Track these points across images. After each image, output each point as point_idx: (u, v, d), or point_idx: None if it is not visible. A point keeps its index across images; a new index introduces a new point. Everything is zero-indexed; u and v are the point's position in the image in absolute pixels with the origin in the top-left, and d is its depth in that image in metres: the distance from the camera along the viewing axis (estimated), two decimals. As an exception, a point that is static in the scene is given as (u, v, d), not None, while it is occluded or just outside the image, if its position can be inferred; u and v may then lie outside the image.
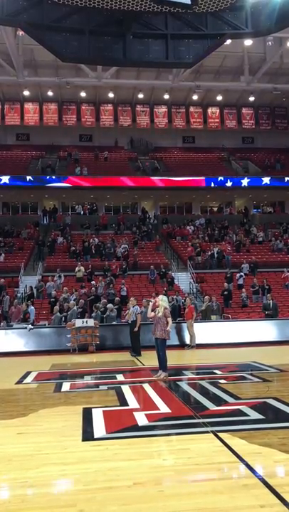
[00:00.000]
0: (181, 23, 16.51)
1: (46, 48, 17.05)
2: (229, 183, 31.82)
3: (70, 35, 16.14)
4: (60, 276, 22.67)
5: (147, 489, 4.11)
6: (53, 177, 30.90)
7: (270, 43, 28.31)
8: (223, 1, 15.76)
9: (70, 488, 4.30)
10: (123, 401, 7.61)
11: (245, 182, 32.07)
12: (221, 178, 31.86)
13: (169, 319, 9.72)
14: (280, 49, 29.16)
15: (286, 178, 32.39)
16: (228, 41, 18.92)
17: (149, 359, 11.70)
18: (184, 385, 9.14)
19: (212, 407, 7.00)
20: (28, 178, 30.20)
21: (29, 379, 10.17)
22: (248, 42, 26.07)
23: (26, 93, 32.93)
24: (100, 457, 4.97)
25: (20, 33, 24.10)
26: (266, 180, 32.07)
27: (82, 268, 23.16)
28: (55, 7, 15.49)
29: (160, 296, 10.43)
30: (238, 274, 23.52)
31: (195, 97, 34.27)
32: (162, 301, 9.92)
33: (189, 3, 15.32)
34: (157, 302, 10.00)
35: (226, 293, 21.33)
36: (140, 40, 16.83)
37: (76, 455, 5.06)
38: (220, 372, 10.21)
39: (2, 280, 21.93)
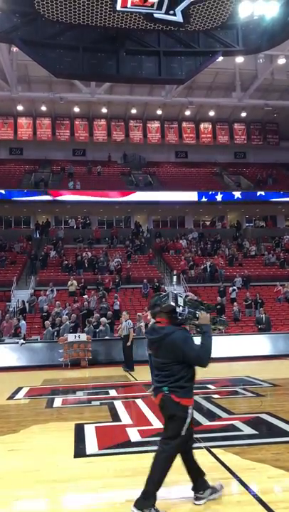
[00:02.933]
0: (174, 41, 16.81)
1: (40, 64, 17.25)
2: (221, 197, 32.02)
3: (63, 52, 16.36)
4: (52, 291, 22.57)
5: (140, 507, 4.06)
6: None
7: (261, 60, 28.82)
8: (214, 19, 16.06)
9: (62, 506, 4.23)
10: (116, 417, 7.55)
11: (237, 196, 32.29)
12: (212, 192, 32.09)
13: None
14: (271, 66, 29.63)
15: (278, 193, 32.70)
16: (220, 58, 19.19)
17: (142, 374, 11.63)
18: (177, 400, 9.07)
19: (205, 422, 6.96)
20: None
21: (21, 394, 10.07)
22: (239, 59, 26.45)
23: (20, 108, 33.13)
24: (92, 474, 4.91)
25: (15, 49, 24.32)
26: (259, 195, 32.34)
27: (74, 282, 23.08)
28: (49, 24, 15.71)
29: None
30: (230, 288, 23.56)
31: (187, 113, 34.65)
32: None
33: (181, 21, 15.63)
34: (148, 316, 9.94)
35: (218, 307, 21.31)
36: (133, 57, 17.10)
37: (68, 472, 5.00)
38: (213, 387, 10.16)
39: (-6, 294, 21.81)
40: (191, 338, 3.93)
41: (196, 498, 4.06)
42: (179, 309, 3.93)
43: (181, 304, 3.97)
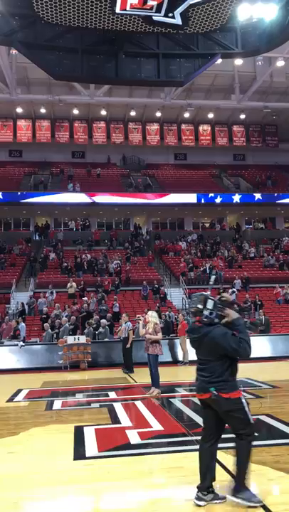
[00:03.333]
0: (173, 43, 16.80)
1: (39, 67, 17.24)
2: (220, 199, 32.08)
3: (63, 54, 16.35)
4: (51, 293, 22.55)
5: (140, 509, 4.06)
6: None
7: (260, 62, 28.89)
8: (213, 21, 16.08)
9: (61, 509, 4.22)
10: (115, 419, 7.54)
11: (236, 198, 32.34)
12: (211, 194, 32.13)
13: (159, 334, 9.67)
14: (269, 68, 29.70)
15: (277, 195, 32.79)
16: (219, 60, 19.21)
17: (142, 376, 11.62)
18: (177, 402, 9.08)
19: (205, 424, 6.93)
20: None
21: (20, 397, 10.05)
22: (238, 61, 26.48)
23: (19, 110, 33.16)
24: (91, 477, 4.90)
25: (14, 51, 24.38)
26: (258, 197, 32.40)
27: (74, 284, 23.06)
28: (49, 27, 15.71)
29: (149, 312, 10.37)
30: (230, 290, 23.54)
31: (187, 115, 34.69)
32: (152, 317, 9.87)
33: (180, 23, 15.62)
34: (147, 318, 9.94)
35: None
36: (132, 59, 17.08)
37: (68, 475, 4.99)
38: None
39: (-7, 296, 21.78)
40: (229, 333, 4.06)
41: (198, 498, 4.07)
42: (206, 312, 4.07)
43: (210, 307, 4.08)
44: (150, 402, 8.90)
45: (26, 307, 21.60)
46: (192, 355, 15.32)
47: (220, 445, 5.71)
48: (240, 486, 4.01)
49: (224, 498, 4.10)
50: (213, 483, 4.14)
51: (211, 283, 4.37)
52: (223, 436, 6.24)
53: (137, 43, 16.64)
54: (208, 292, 4.23)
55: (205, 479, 4.12)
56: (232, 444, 5.77)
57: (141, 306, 22.17)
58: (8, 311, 21.30)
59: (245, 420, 4.02)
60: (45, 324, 17.99)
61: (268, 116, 35.74)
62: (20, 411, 8.80)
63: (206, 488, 4.09)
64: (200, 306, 4.09)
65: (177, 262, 27.49)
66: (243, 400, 4.06)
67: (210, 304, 4.09)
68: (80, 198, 31.01)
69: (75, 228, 32.40)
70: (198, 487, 4.13)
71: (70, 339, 15.31)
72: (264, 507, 3.94)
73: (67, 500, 4.35)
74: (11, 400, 9.72)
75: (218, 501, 4.06)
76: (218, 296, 4.24)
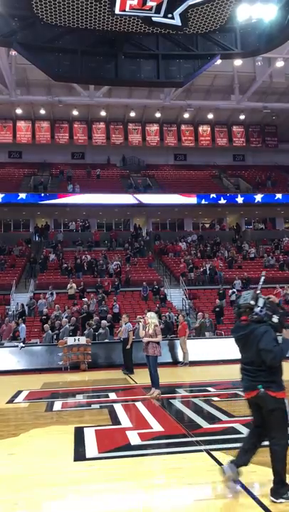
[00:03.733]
0: (172, 44, 16.82)
1: (39, 68, 17.26)
2: (222, 201, 32.15)
3: (62, 55, 16.36)
4: (51, 294, 22.54)
5: (140, 510, 4.05)
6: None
7: (259, 63, 28.90)
8: (212, 22, 16.09)
9: (61, 510, 4.21)
10: (115, 420, 7.53)
11: (239, 199, 32.40)
12: (213, 195, 32.17)
13: (159, 336, 9.65)
14: (269, 69, 29.73)
15: (277, 195, 32.82)
16: (219, 61, 19.22)
17: (142, 377, 11.61)
18: (177, 403, 9.07)
19: (205, 425, 6.94)
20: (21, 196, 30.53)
21: (20, 398, 10.05)
22: (237, 62, 26.49)
23: (19, 111, 33.16)
24: (91, 478, 4.90)
25: (13, 52, 24.37)
26: (258, 197, 32.43)
27: (74, 285, 23.04)
28: (48, 28, 15.73)
29: (148, 314, 10.35)
30: (230, 291, 23.53)
31: (186, 116, 34.71)
32: (151, 318, 9.85)
33: (180, 24, 15.63)
34: (147, 320, 9.92)
35: (217, 309, 21.31)
36: (132, 60, 17.10)
37: (68, 476, 4.99)
38: (213, 390, 10.15)
39: (-7, 298, 21.77)
40: (273, 334, 4.11)
41: (228, 466, 4.25)
42: (256, 309, 4.20)
43: (261, 305, 4.22)
44: (150, 403, 8.89)
45: (26, 308, 21.59)
46: (192, 355, 15.35)
47: (218, 446, 5.74)
48: (282, 486, 4.07)
49: (235, 492, 4.25)
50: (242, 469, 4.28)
51: (260, 282, 4.48)
52: (223, 437, 6.28)
53: (136, 43, 16.66)
54: (259, 292, 4.35)
55: (243, 455, 4.27)
56: (232, 445, 5.78)
57: (141, 306, 22.15)
58: (8, 312, 21.30)
59: (283, 421, 4.06)
60: (45, 325, 17.99)
61: (267, 116, 35.75)
62: (20, 412, 8.80)
63: (240, 464, 4.21)
64: (252, 303, 4.21)
65: (177, 262, 27.48)
66: (286, 401, 4.10)
67: (261, 302, 4.23)
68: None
69: (75, 229, 32.41)
70: (231, 461, 4.27)
71: (70, 340, 15.30)
72: (264, 507, 3.94)
73: (68, 501, 4.35)
74: (11, 401, 9.71)
75: (230, 487, 4.23)
76: (266, 297, 4.37)
